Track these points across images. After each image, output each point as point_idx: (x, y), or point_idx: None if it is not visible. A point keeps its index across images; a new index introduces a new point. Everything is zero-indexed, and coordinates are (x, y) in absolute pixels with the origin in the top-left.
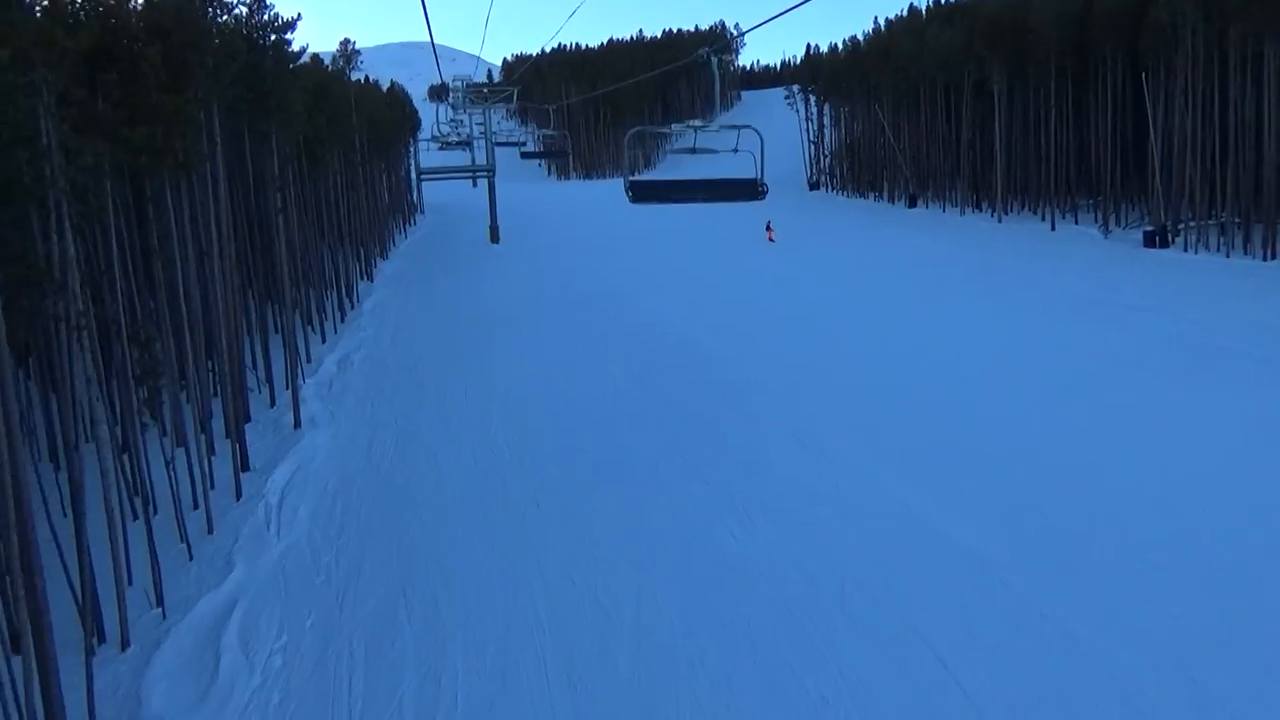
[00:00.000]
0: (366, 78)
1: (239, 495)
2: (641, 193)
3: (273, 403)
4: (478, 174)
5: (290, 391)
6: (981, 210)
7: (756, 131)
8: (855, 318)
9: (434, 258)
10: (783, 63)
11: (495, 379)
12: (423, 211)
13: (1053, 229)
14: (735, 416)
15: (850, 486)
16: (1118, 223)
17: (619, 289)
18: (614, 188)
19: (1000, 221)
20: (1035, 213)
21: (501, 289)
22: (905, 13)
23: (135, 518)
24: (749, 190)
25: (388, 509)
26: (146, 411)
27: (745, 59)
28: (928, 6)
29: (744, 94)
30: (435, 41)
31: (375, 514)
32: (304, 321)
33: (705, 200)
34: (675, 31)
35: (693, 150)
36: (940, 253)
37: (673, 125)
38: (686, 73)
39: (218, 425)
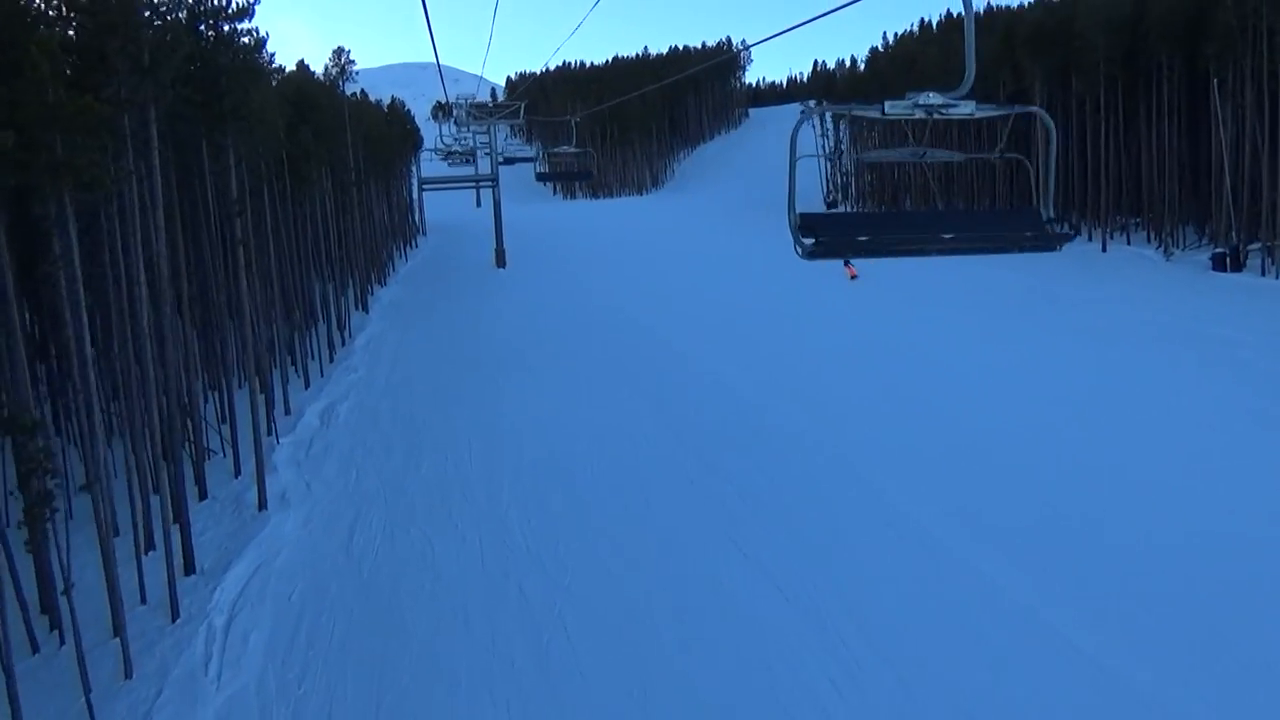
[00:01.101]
0: (363, 92)
1: (175, 614)
2: (831, 239)
3: (237, 471)
4: (481, 183)
5: (256, 462)
6: None
7: (1044, 115)
8: (918, 360)
9: (435, 284)
10: (789, 80)
11: (504, 437)
12: (424, 233)
13: (1104, 250)
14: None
15: (946, 582)
16: (1175, 243)
17: (650, 328)
18: (625, 208)
19: None
20: (1080, 232)
21: (509, 321)
22: (926, 22)
23: (35, 650)
24: (1030, 231)
25: (369, 636)
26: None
27: (751, 76)
28: (957, 15)
29: (751, 111)
30: (438, 62)
31: (352, 644)
32: (284, 364)
33: (954, 250)
34: (681, 48)
35: (922, 156)
36: (990, 278)
37: (888, 102)
38: (695, 90)
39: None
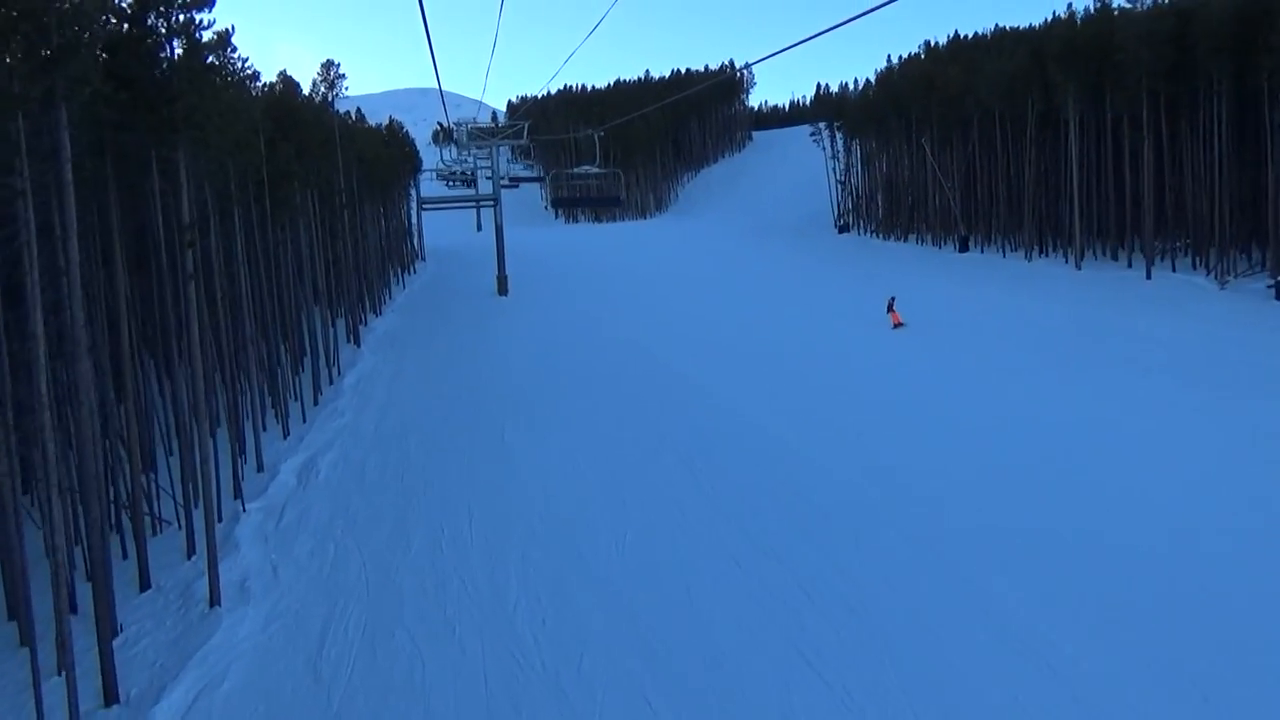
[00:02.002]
0: (358, 111)
1: None
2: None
3: (192, 549)
4: (482, 203)
5: (209, 544)
6: (1049, 255)
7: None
8: (999, 413)
9: (434, 313)
10: (792, 103)
11: (511, 504)
12: (423, 258)
13: (1148, 277)
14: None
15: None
16: (1225, 270)
17: (667, 363)
18: (630, 232)
19: (1079, 269)
20: (1115, 258)
21: (513, 357)
22: (933, 44)
23: None
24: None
25: None
26: None
27: (754, 100)
28: (966, 36)
29: (755, 134)
30: (438, 88)
31: None
32: (258, 410)
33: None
34: (684, 71)
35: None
36: (1033, 310)
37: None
38: (698, 114)
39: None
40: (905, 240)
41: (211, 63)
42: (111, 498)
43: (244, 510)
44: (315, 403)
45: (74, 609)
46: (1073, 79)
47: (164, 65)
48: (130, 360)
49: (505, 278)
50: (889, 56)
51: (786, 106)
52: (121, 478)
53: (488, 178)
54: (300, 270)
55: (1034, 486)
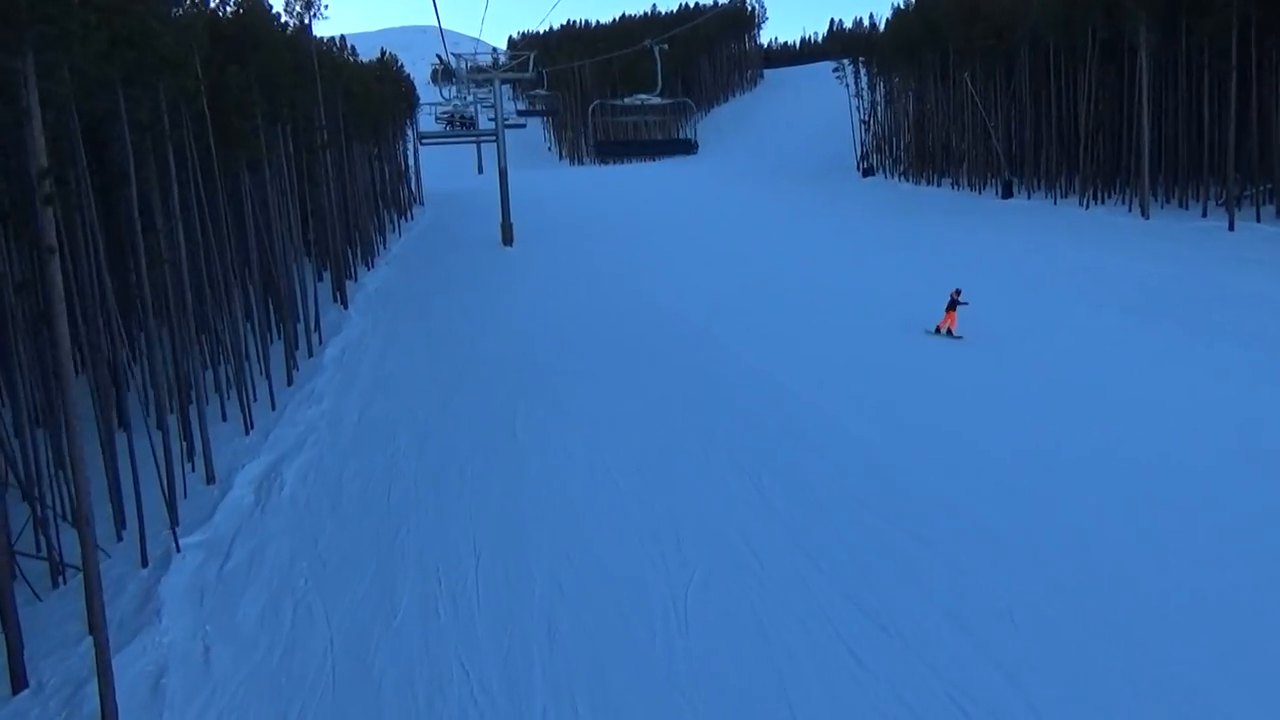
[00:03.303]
0: (343, 39)
1: None
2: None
3: (100, 618)
4: (484, 138)
5: (93, 616)
6: (1105, 201)
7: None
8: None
9: (432, 266)
10: (804, 40)
11: (528, 539)
12: (421, 203)
13: (1231, 229)
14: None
15: None
16: None
17: (702, 332)
18: (639, 174)
19: (1147, 218)
20: (1184, 206)
21: (522, 322)
22: None
23: None
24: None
25: None
26: None
27: (764, 37)
28: None
29: (766, 73)
30: (436, 20)
31: None
32: (202, 399)
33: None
34: (693, 6)
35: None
36: (1115, 269)
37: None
38: (708, 48)
39: None
40: (938, 184)
41: None
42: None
43: (177, 549)
44: (289, 381)
45: None
46: (1144, 4)
47: None
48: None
49: (510, 225)
50: None
51: (798, 44)
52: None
53: (490, 120)
54: (268, 222)
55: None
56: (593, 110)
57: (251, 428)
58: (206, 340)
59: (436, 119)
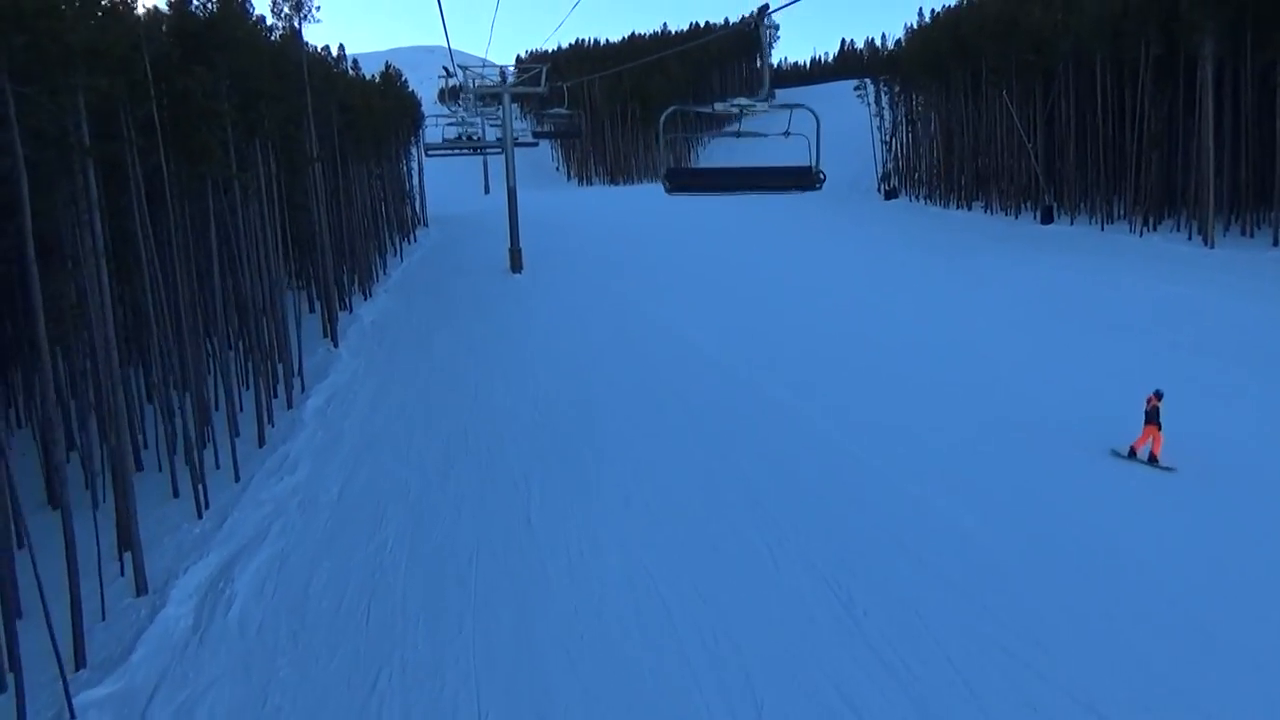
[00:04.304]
0: (342, 51)
1: None
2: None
3: None
4: (489, 150)
5: None
6: (1158, 228)
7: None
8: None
9: (434, 295)
10: (814, 59)
11: (547, 659)
12: (425, 224)
13: None
14: None
15: None
16: None
17: (738, 375)
18: (651, 196)
19: (1211, 246)
20: (1246, 232)
21: (533, 359)
22: None
23: None
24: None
25: None
26: None
27: (775, 56)
28: None
29: (778, 92)
30: (440, 44)
31: None
32: (180, 454)
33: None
34: (704, 24)
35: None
36: (1203, 305)
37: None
38: (719, 66)
39: None
40: (968, 208)
41: None
42: None
43: (71, 715)
44: (261, 441)
45: None
46: (1209, 15)
47: None
48: None
49: (519, 250)
50: (920, 9)
51: (808, 64)
52: None
53: (498, 139)
54: (240, 250)
55: None
56: (665, 120)
57: (206, 508)
58: (159, 396)
59: (444, 140)
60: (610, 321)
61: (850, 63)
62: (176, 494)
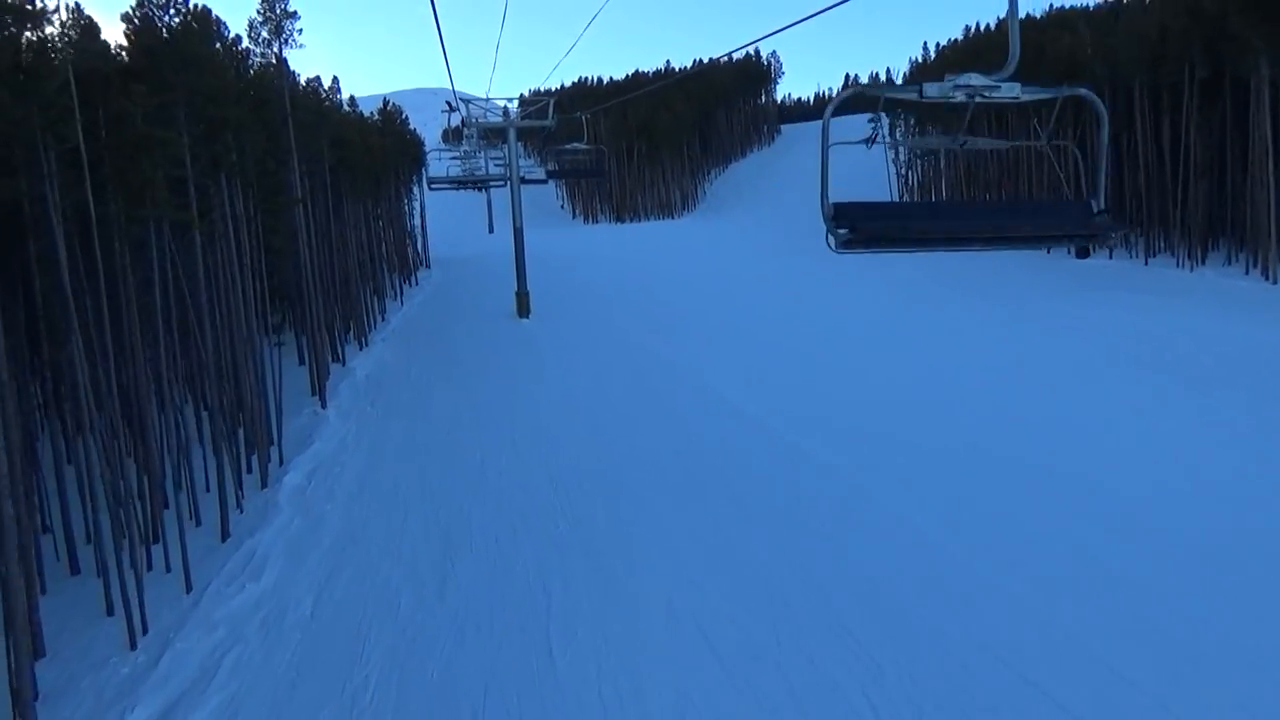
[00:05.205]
0: (336, 83)
1: None
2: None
3: None
4: (493, 183)
5: None
6: (1205, 261)
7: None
8: None
9: (435, 345)
10: (818, 95)
11: None
12: (428, 265)
13: None
14: None
15: None
16: None
17: (785, 439)
18: (659, 234)
19: (1274, 282)
20: None
21: (547, 424)
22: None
23: None
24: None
25: None
26: None
27: (779, 93)
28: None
29: (783, 128)
30: (443, 85)
31: None
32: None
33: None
34: (707, 60)
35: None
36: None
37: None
38: (725, 103)
39: None
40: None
41: None
42: None
43: None
44: (225, 534)
45: None
46: (1263, 35)
47: None
48: None
49: (527, 295)
50: (924, 44)
51: (811, 100)
52: None
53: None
54: (195, 302)
55: None
56: (835, 108)
57: (144, 632)
58: (108, 479)
59: (447, 174)
60: (629, 372)
61: (855, 98)
62: (110, 610)
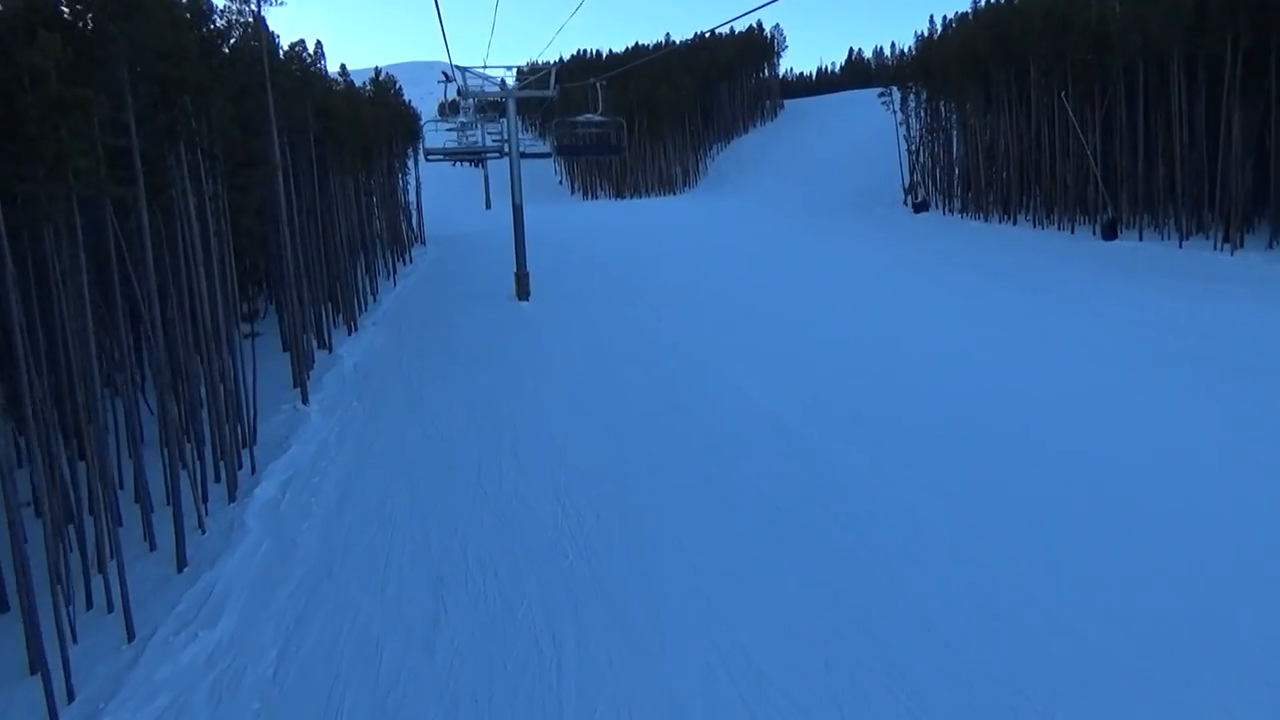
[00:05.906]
0: (321, 48)
1: None
2: None
3: None
4: (490, 155)
5: None
6: (1244, 244)
7: None
8: None
9: (428, 330)
10: (820, 70)
11: None
12: (423, 243)
13: None
14: None
15: None
16: None
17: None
18: (662, 210)
19: None
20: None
21: (550, 425)
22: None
23: None
24: None
25: None
26: None
27: (781, 68)
28: None
29: (786, 103)
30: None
31: None
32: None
33: None
34: (709, 34)
35: None
36: None
37: None
38: (727, 77)
39: None
40: (1012, 221)
41: None
42: None
43: None
44: (181, 563)
45: None
46: None
47: None
48: None
49: (526, 276)
50: (931, 17)
51: (814, 75)
52: None
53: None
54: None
55: None
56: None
57: (70, 699)
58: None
59: (444, 147)
60: (638, 362)
61: (858, 72)
62: (31, 669)
